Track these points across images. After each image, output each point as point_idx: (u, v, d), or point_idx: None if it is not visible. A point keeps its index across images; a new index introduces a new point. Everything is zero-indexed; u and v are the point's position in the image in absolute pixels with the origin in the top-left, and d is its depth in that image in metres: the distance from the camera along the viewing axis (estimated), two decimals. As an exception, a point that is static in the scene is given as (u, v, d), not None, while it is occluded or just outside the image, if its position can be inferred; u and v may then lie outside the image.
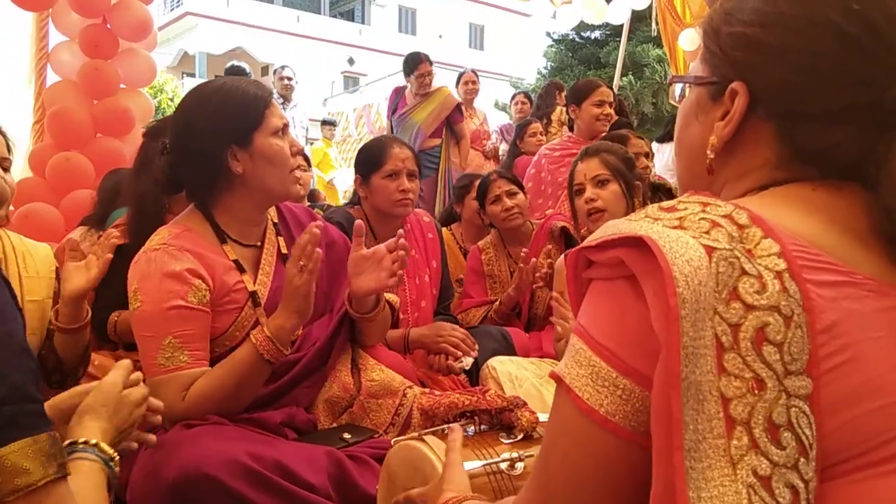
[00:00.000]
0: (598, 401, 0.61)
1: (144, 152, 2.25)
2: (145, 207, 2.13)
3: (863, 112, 0.66)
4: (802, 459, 0.56)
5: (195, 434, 1.40)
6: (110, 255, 1.69)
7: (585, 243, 0.66)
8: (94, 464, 0.92)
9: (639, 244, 0.60)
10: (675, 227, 0.61)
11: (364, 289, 1.70)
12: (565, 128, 5.06)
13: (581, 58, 14.35)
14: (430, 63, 5.10)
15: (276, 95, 5.07)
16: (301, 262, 1.46)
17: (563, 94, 5.77)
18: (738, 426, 0.55)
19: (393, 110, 5.25)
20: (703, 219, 0.62)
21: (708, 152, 0.76)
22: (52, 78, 3.89)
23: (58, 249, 2.82)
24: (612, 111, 3.51)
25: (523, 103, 6.39)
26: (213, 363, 1.54)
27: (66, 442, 0.93)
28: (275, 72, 6.32)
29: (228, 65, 5.75)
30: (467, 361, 2.16)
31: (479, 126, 5.87)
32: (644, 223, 0.63)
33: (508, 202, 2.80)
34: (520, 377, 2.10)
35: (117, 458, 0.96)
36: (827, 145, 0.68)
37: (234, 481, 1.29)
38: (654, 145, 5.35)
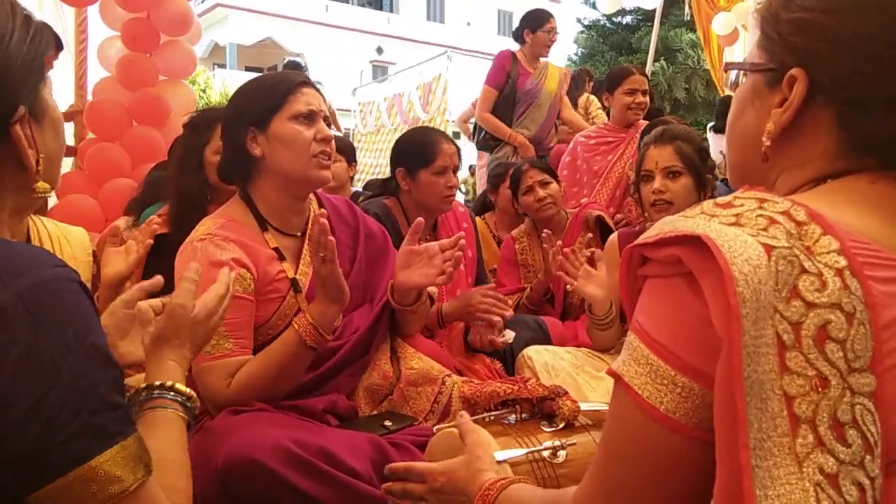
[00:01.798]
0: (658, 398, 0.61)
1: (185, 144, 2.29)
2: (188, 198, 2.17)
3: None
4: (868, 457, 0.56)
5: (242, 421, 1.43)
6: (150, 241, 1.71)
7: (641, 240, 0.66)
8: (173, 413, 0.92)
9: (696, 242, 0.60)
10: (732, 224, 0.61)
11: (411, 282, 1.72)
12: (601, 114, 5.01)
13: (612, 43, 14.18)
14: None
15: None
16: (320, 254, 1.47)
17: (592, 82, 5.71)
18: (803, 424, 0.55)
19: (507, 78, 4.23)
20: (760, 215, 0.61)
21: (764, 139, 0.75)
22: (100, 72, 3.97)
23: (100, 239, 2.89)
24: (644, 99, 3.45)
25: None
26: (256, 351, 1.57)
27: (143, 385, 0.93)
28: (285, 65, 6.40)
29: (286, 60, 5.88)
30: (509, 335, 2.14)
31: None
32: (700, 220, 0.62)
33: (541, 192, 2.79)
34: (556, 367, 2.10)
35: (195, 395, 0.96)
36: (889, 134, 0.67)
37: (281, 467, 1.32)
38: (709, 135, 5.24)
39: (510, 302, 2.75)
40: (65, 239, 1.69)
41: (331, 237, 1.46)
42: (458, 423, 1.06)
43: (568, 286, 2.09)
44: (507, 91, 4.14)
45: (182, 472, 0.87)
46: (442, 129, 8.02)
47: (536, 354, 2.16)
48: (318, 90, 1.68)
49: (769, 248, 0.58)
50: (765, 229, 0.60)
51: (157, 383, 0.94)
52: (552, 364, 2.12)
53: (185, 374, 1.00)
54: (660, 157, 2.07)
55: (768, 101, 0.75)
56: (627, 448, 0.64)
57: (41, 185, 0.82)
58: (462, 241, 1.72)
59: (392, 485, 1.09)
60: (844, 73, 0.69)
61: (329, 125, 1.66)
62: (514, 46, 4.27)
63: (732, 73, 1.03)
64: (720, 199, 0.66)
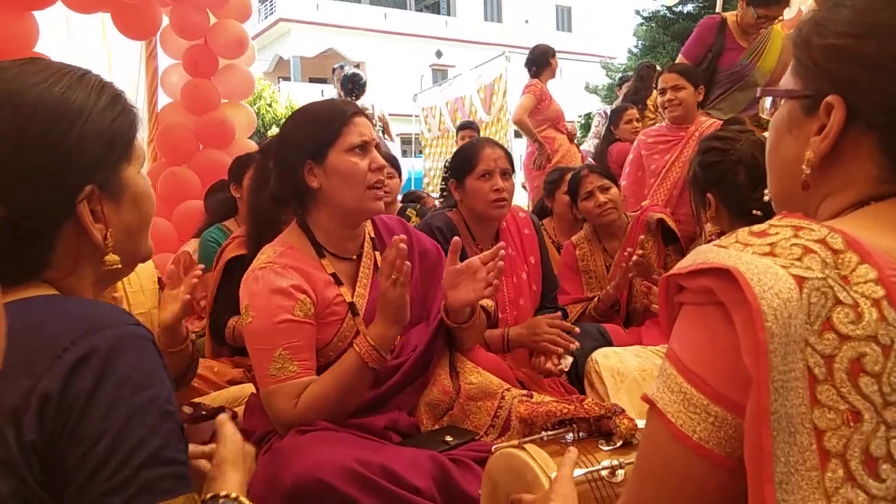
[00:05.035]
0: (692, 427, 0.62)
1: (261, 169, 2.37)
2: (263, 221, 2.25)
3: None
4: None
5: (308, 441, 1.48)
6: (188, 297, 1.71)
7: (675, 270, 0.67)
8: None
9: (727, 275, 0.60)
10: (766, 255, 0.61)
11: (461, 301, 1.74)
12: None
13: (673, 34, 13.84)
14: None
15: (369, 108, 4.92)
16: (393, 276, 1.51)
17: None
18: (833, 458, 0.55)
19: (706, 52, 3.57)
20: (794, 244, 0.61)
21: (804, 167, 0.74)
22: (163, 99, 4.15)
23: (174, 260, 3.02)
24: (677, 95, 3.28)
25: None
26: (319, 372, 1.62)
27: (209, 495, 0.95)
28: (333, 70, 6.38)
29: (348, 72, 5.88)
30: (566, 362, 2.14)
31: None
32: (733, 251, 0.62)
33: (602, 198, 2.76)
34: (622, 371, 2.08)
35: None
36: None
37: (346, 486, 1.36)
38: None
39: (576, 310, 2.75)
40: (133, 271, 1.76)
41: (407, 262, 1.50)
42: (564, 457, 1.07)
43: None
44: (704, 66, 3.54)
45: None
46: (504, 131, 8.03)
47: (604, 359, 2.14)
48: (367, 117, 1.72)
49: (801, 280, 0.58)
50: (799, 259, 0.60)
51: (223, 493, 0.96)
52: (619, 369, 2.11)
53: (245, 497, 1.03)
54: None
55: (806, 129, 0.74)
56: (660, 474, 0.65)
57: (110, 257, 0.85)
58: (502, 252, 1.73)
59: None
60: (884, 98, 0.68)
61: (379, 150, 1.70)
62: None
63: (768, 99, 1.01)
64: (756, 228, 0.66)
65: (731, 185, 1.86)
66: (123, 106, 0.88)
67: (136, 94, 4.16)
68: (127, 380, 0.72)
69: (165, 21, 3.91)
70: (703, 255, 0.64)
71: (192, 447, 1.05)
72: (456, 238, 1.74)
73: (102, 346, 0.72)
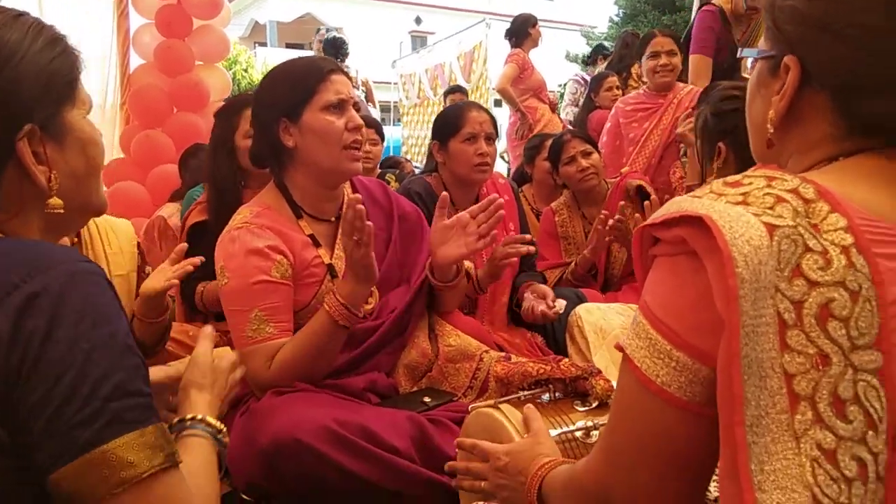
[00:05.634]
0: (655, 372, 0.63)
1: (218, 131, 2.34)
2: (222, 185, 2.23)
3: None
4: (871, 432, 0.56)
5: (285, 401, 1.48)
6: (176, 282, 1.68)
7: (650, 220, 0.67)
8: (202, 440, 0.94)
9: (700, 223, 0.61)
10: (739, 203, 0.61)
11: (451, 256, 1.73)
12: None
13: (654, 2, 13.77)
14: None
15: (352, 72, 4.82)
16: (355, 237, 1.49)
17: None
18: (802, 401, 0.56)
19: (717, 40, 3.47)
20: (767, 194, 0.62)
21: (768, 126, 0.76)
22: (135, 61, 4.06)
23: (148, 225, 2.99)
24: (670, 60, 3.28)
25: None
26: (297, 334, 1.62)
27: (175, 420, 0.96)
28: (317, 31, 6.26)
29: (329, 35, 5.78)
30: (560, 305, 2.13)
31: None
32: (707, 200, 0.63)
33: (584, 162, 2.75)
34: (605, 328, 2.09)
35: (225, 430, 0.99)
36: (883, 113, 0.67)
37: (323, 445, 1.37)
38: None
39: (553, 275, 2.76)
40: (112, 232, 1.74)
41: (368, 222, 1.49)
42: (525, 413, 1.09)
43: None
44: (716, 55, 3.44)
45: (208, 497, 0.88)
46: (483, 99, 7.97)
47: (587, 314, 2.14)
48: (346, 75, 1.69)
49: (772, 228, 0.58)
50: (771, 207, 0.60)
51: (189, 416, 0.97)
52: (602, 326, 2.11)
53: (214, 417, 1.02)
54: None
55: (771, 89, 0.76)
56: (628, 419, 0.67)
57: (54, 200, 0.84)
58: (500, 201, 1.71)
59: (456, 462, 1.13)
60: (833, 60, 0.69)
61: (358, 110, 1.68)
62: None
63: (749, 60, 1.04)
64: (730, 178, 0.66)
65: (746, 133, 1.85)
66: (63, 48, 0.86)
67: (108, 55, 4.06)
68: (84, 315, 0.72)
69: (137, -21, 3.83)
70: (677, 204, 0.65)
71: (154, 370, 1.05)
72: (444, 193, 1.73)
73: (53, 284, 0.71)
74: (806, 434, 0.56)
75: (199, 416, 0.97)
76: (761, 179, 0.64)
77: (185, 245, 1.76)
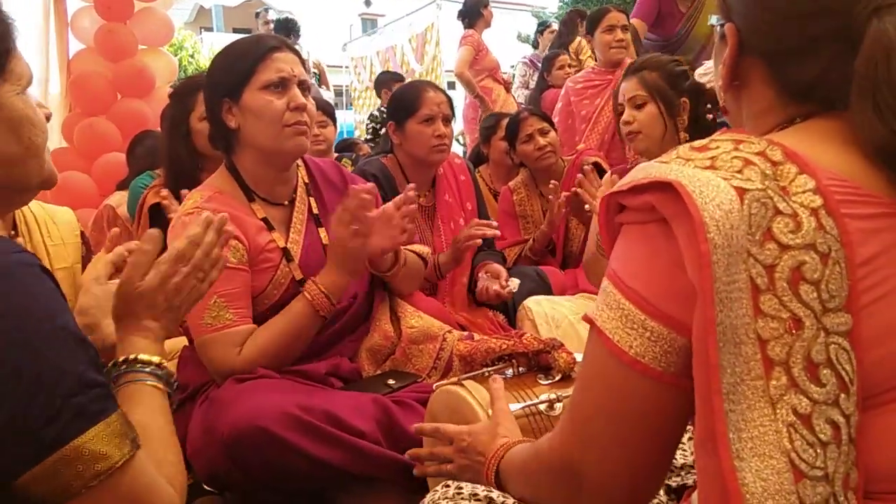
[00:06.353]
0: (628, 342, 0.62)
1: (172, 114, 2.28)
2: (179, 168, 2.19)
3: (831, 42, 0.66)
4: (843, 395, 0.56)
5: (246, 388, 1.44)
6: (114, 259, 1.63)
7: (616, 187, 0.66)
8: (147, 385, 0.89)
9: (669, 188, 0.59)
10: (707, 168, 0.60)
11: (377, 248, 1.68)
12: (590, 59, 4.88)
13: (604, -18, 13.82)
14: None
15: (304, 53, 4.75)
16: (354, 227, 1.46)
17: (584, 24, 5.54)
18: (777, 367, 0.55)
19: (658, 10, 3.59)
20: (735, 157, 0.61)
21: (720, 93, 0.78)
22: (74, 45, 3.91)
23: (97, 215, 2.89)
24: (625, 36, 3.33)
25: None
26: (255, 320, 1.58)
27: (110, 364, 0.91)
28: (257, 14, 6.16)
29: (283, 16, 5.69)
30: (513, 283, 2.14)
31: None
32: (675, 165, 0.62)
33: (541, 140, 2.75)
34: (556, 317, 2.11)
35: (163, 362, 0.93)
36: (810, 79, 0.68)
37: (286, 432, 1.34)
38: None
39: (513, 253, 2.76)
40: (52, 222, 1.65)
41: (370, 213, 1.44)
42: (491, 390, 1.08)
43: (587, 207, 2.10)
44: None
45: (167, 442, 0.86)
46: (437, 82, 7.93)
47: (536, 306, 2.16)
48: (294, 51, 1.64)
49: (742, 192, 0.58)
50: (739, 171, 0.60)
51: (121, 359, 0.91)
52: (552, 315, 2.13)
53: (156, 345, 0.95)
54: (626, 89, 2.10)
55: (721, 57, 0.77)
56: (598, 392, 0.66)
57: None
58: (412, 193, 1.66)
59: (418, 450, 1.11)
60: (756, 25, 0.71)
61: (307, 90, 1.63)
62: None
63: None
64: (696, 143, 0.66)
65: (700, 88, 2.04)
66: None
67: (45, 40, 3.89)
68: (28, 312, 0.68)
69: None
70: (644, 171, 0.64)
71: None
72: (370, 184, 1.65)
73: None
74: (781, 399, 0.55)
75: (132, 356, 0.91)
76: (728, 143, 0.63)
77: (117, 230, 1.70)
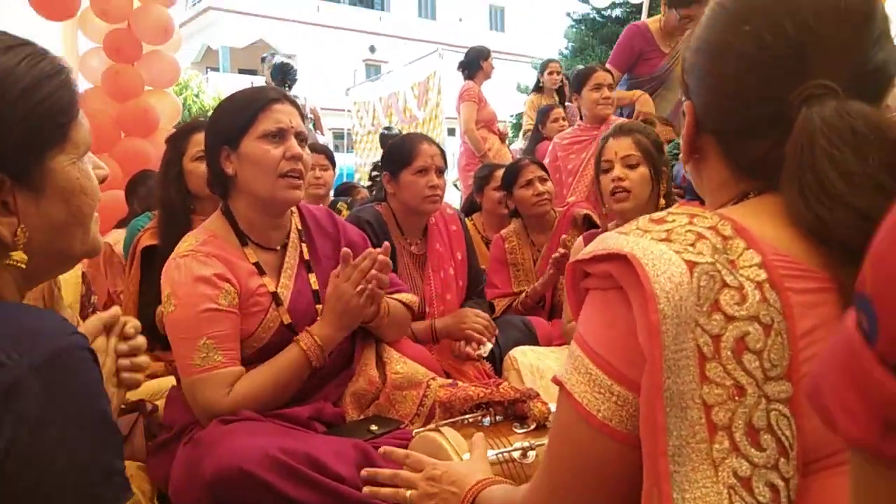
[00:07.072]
0: (596, 406, 0.65)
1: (168, 157, 2.34)
2: (172, 210, 2.23)
3: (772, 125, 0.70)
4: (783, 459, 0.60)
5: (230, 430, 1.47)
6: None
7: (580, 256, 0.70)
8: None
9: (625, 260, 0.64)
10: (662, 241, 0.65)
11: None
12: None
13: (602, 37, 14.10)
14: None
15: (300, 100, 4.83)
16: (362, 286, 1.52)
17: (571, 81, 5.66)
18: (720, 431, 0.59)
19: (637, 57, 3.80)
20: (689, 231, 0.66)
21: (685, 166, 0.83)
22: (83, 85, 4.00)
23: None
24: (611, 94, 3.45)
25: (557, 73, 5.86)
26: (243, 363, 1.61)
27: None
28: (263, 59, 6.24)
29: (277, 61, 5.75)
30: (485, 348, 2.21)
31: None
32: (632, 237, 0.67)
33: (541, 187, 2.83)
34: (541, 368, 2.14)
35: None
36: (757, 157, 0.73)
37: (268, 475, 1.36)
38: None
39: (503, 303, 2.80)
40: None
41: (382, 275, 1.53)
42: (472, 442, 1.11)
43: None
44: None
45: None
46: (438, 129, 8.06)
47: (522, 356, 2.20)
48: (293, 103, 1.70)
49: (692, 265, 0.62)
50: (692, 244, 0.64)
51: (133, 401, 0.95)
52: (537, 366, 2.16)
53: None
54: (618, 147, 2.16)
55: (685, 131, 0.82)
56: (569, 451, 0.69)
57: (16, 255, 0.76)
58: (379, 258, 1.67)
59: (377, 469, 1.14)
60: (706, 106, 0.76)
61: (304, 141, 1.69)
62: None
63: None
64: (655, 215, 0.70)
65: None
66: (58, 85, 0.77)
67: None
68: (73, 397, 0.68)
69: (85, 3, 3.77)
70: (605, 242, 0.68)
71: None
72: (346, 249, 1.68)
73: (40, 362, 0.66)
74: (724, 462, 0.59)
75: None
76: (684, 217, 0.68)
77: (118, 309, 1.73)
